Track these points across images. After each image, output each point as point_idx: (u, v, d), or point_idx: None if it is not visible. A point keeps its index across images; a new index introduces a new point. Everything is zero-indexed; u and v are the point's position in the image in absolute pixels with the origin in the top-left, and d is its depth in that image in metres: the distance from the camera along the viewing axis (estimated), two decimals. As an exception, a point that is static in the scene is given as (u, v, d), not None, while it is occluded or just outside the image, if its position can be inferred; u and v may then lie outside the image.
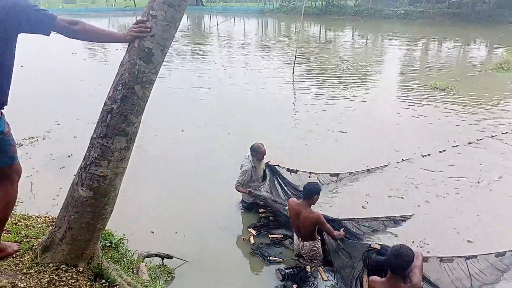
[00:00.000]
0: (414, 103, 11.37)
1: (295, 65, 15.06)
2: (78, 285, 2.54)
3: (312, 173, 6.53)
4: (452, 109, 10.70)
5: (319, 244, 4.94)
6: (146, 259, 4.56)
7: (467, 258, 4.34)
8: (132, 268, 4.04)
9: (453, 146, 8.25)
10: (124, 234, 4.21)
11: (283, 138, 8.78)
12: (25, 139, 8.08)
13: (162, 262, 4.74)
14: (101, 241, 3.94)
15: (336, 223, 5.04)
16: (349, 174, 7.08)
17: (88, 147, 2.59)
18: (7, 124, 2.48)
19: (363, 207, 6.09)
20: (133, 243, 4.45)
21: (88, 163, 2.56)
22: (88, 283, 2.62)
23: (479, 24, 33.27)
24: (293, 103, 12.10)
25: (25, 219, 3.68)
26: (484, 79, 14.28)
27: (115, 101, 2.53)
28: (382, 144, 8.51)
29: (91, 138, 2.58)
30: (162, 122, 9.68)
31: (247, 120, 10.03)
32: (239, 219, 5.96)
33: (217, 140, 8.74)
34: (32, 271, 2.55)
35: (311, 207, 4.80)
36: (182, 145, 8.49)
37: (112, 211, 2.79)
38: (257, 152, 5.85)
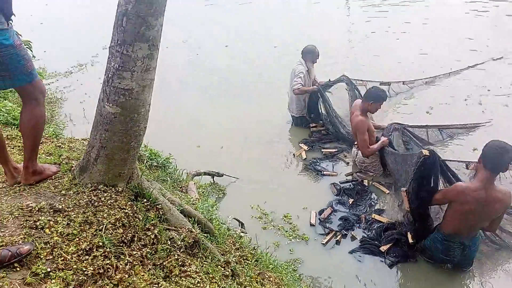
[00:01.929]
0: None
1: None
2: (118, 205, 2.44)
3: (384, 82, 5.87)
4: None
5: (375, 156, 4.56)
6: (196, 177, 4.51)
7: None
8: (181, 187, 4.00)
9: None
10: (170, 154, 4.10)
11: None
12: (74, 66, 8.13)
13: (213, 180, 4.68)
14: (147, 161, 3.90)
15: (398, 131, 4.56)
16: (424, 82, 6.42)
17: (108, 58, 2.30)
18: (18, 37, 2.24)
19: (427, 113, 5.52)
20: (182, 163, 4.37)
21: (110, 75, 2.30)
22: (128, 202, 2.51)
23: None
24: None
25: (71, 142, 3.65)
26: None
27: (129, 0, 2.15)
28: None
29: (109, 47, 2.28)
30: (207, 37, 9.25)
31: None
32: (289, 134, 5.67)
33: (263, 55, 8.21)
34: (71, 192, 2.47)
35: (368, 114, 4.38)
36: (227, 61, 8.10)
37: (145, 128, 2.57)
38: (312, 54, 5.32)
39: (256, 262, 3.04)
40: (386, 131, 4.56)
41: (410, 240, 3.63)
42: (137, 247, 2.30)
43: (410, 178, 3.44)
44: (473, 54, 7.40)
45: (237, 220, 3.86)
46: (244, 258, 3.02)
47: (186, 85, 7.29)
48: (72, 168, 2.69)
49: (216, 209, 3.73)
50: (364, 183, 4.54)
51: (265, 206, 4.28)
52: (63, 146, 3.35)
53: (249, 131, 5.69)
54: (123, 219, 2.34)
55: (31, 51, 5.65)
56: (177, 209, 2.84)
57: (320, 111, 5.66)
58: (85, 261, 2.02)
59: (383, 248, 3.71)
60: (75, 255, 2.04)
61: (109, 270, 2.05)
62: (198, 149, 5.31)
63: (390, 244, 3.74)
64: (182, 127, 5.88)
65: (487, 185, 3.11)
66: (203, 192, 4.26)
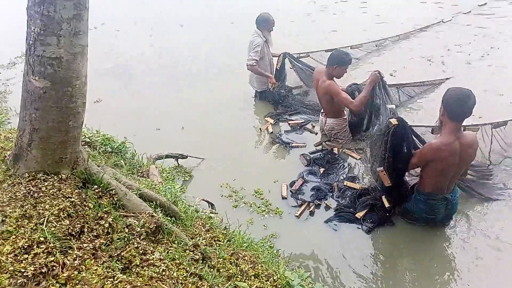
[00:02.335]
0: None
1: None
2: (62, 194, 2.11)
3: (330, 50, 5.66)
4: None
5: (344, 122, 4.40)
6: (159, 162, 4.19)
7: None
8: (141, 172, 3.69)
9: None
10: (125, 137, 3.76)
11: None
12: (18, 57, 7.36)
13: (177, 163, 4.38)
14: (99, 147, 3.55)
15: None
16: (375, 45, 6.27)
17: (27, 22, 1.94)
18: None
19: (390, 75, 5.40)
20: (142, 149, 4.04)
21: (31, 42, 1.95)
22: (75, 190, 2.20)
23: None
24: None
25: (9, 133, 3.24)
26: None
27: None
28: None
29: (26, 8, 1.92)
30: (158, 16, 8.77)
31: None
32: (253, 109, 5.43)
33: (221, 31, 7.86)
34: (5, 184, 2.13)
35: (334, 79, 4.17)
36: (182, 40, 7.70)
37: (84, 104, 2.24)
38: (267, 22, 5.05)
39: (228, 243, 2.82)
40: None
41: (387, 205, 3.52)
42: (88, 239, 2.00)
43: (382, 153, 3.29)
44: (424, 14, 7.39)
45: (206, 201, 3.60)
46: (216, 239, 2.79)
47: (143, 66, 6.86)
48: (6, 158, 2.33)
49: (183, 192, 3.47)
50: (334, 151, 4.39)
51: (235, 184, 4.04)
52: (-2, 138, 2.95)
53: (211, 109, 5.40)
54: (68, 209, 2.03)
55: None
56: (135, 194, 2.55)
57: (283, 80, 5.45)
58: (24, 261, 1.71)
59: (359, 214, 3.58)
60: (11, 256, 1.72)
61: (54, 268, 1.75)
62: (158, 132, 4.97)
63: (366, 210, 3.62)
64: (139, 111, 5.50)
65: (458, 135, 3.03)
66: (167, 177, 3.97)
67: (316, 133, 4.75)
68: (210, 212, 3.39)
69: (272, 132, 4.81)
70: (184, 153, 4.35)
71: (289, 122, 4.97)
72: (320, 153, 4.39)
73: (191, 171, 4.33)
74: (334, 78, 4.24)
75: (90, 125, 3.55)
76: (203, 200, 3.60)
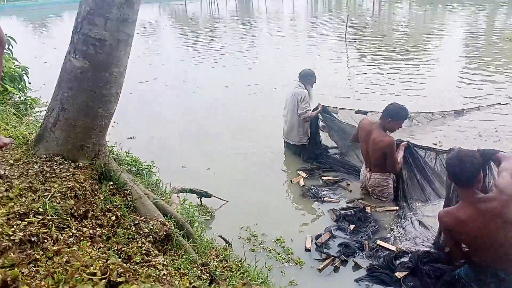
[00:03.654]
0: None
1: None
2: (75, 179, 2.00)
3: (361, 111, 5.51)
4: None
5: (390, 178, 4.12)
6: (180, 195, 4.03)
7: None
8: (162, 199, 3.53)
9: None
10: (153, 161, 3.68)
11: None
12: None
13: (200, 201, 4.19)
14: (125, 166, 3.47)
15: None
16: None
17: (80, 2, 2.02)
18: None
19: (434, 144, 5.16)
20: (164, 178, 3.93)
21: (79, 20, 2.00)
22: (89, 180, 2.08)
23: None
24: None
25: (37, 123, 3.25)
26: None
27: None
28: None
29: (82, -11, 2.01)
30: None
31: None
32: (285, 162, 5.29)
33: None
34: (20, 162, 2.05)
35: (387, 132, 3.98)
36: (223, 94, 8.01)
37: (118, 95, 2.22)
38: (312, 77, 5.09)
39: (242, 275, 2.51)
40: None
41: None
42: (90, 224, 1.83)
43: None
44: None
45: (222, 238, 3.33)
46: (228, 269, 2.49)
47: (184, 116, 7.09)
48: (28, 141, 2.29)
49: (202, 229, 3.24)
50: (367, 209, 4.06)
51: (256, 228, 3.76)
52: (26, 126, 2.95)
53: (241, 158, 5.32)
54: (77, 190, 1.90)
55: (27, 77, 5.50)
56: (151, 201, 2.39)
57: (319, 139, 5.34)
58: (15, 226, 1.55)
59: (399, 274, 3.13)
60: (3, 218, 1.57)
61: (45, 240, 1.56)
62: (184, 169, 4.89)
63: (406, 272, 3.17)
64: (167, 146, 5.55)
65: (469, 200, 2.54)
66: (189, 213, 3.77)
67: (351, 191, 4.46)
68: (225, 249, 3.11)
69: (304, 185, 4.59)
70: (209, 191, 4.19)
71: (322, 177, 4.74)
72: (351, 210, 4.07)
73: (213, 212, 4.12)
74: (387, 131, 4.05)
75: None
76: (219, 236, 3.34)
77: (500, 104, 6.75)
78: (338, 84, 8.56)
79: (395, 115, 3.94)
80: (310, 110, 5.02)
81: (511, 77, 8.26)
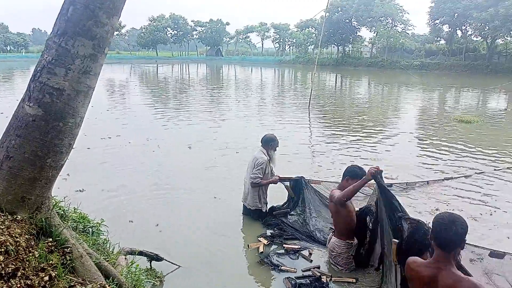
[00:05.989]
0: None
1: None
2: (9, 232, 1.83)
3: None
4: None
5: (347, 247, 4.10)
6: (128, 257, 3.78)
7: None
8: (107, 260, 3.28)
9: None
10: (102, 219, 3.48)
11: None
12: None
13: (150, 265, 3.93)
14: (71, 223, 3.25)
15: None
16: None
17: (42, 52, 2.01)
18: None
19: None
20: (115, 237, 3.71)
21: (39, 69, 1.97)
22: (26, 235, 1.91)
23: (496, 75, 32.98)
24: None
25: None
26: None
27: (80, -11, 1.98)
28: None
29: (46, 40, 2.01)
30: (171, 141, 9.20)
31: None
32: (242, 227, 5.16)
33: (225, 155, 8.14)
34: None
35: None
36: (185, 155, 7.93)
37: (70, 146, 2.14)
38: (273, 141, 5.17)
39: None
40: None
41: None
42: (18, 285, 1.64)
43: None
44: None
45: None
46: None
47: (139, 174, 6.88)
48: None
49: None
50: (322, 279, 3.95)
51: (208, 298, 3.54)
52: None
53: (194, 221, 5.16)
54: (8, 245, 1.73)
55: None
56: (93, 262, 2.21)
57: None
58: None
59: None
60: None
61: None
62: (135, 226, 4.64)
63: None
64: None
65: (441, 265, 2.44)
66: (135, 277, 3.51)
67: (311, 261, 4.36)
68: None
69: (263, 252, 4.44)
70: (160, 254, 3.96)
71: (284, 245, 4.62)
72: (307, 279, 3.95)
73: (163, 277, 3.86)
74: None
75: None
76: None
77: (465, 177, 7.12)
78: (300, 150, 8.78)
79: (352, 173, 4.07)
80: (260, 177, 5.04)
81: (459, 154, 8.81)
